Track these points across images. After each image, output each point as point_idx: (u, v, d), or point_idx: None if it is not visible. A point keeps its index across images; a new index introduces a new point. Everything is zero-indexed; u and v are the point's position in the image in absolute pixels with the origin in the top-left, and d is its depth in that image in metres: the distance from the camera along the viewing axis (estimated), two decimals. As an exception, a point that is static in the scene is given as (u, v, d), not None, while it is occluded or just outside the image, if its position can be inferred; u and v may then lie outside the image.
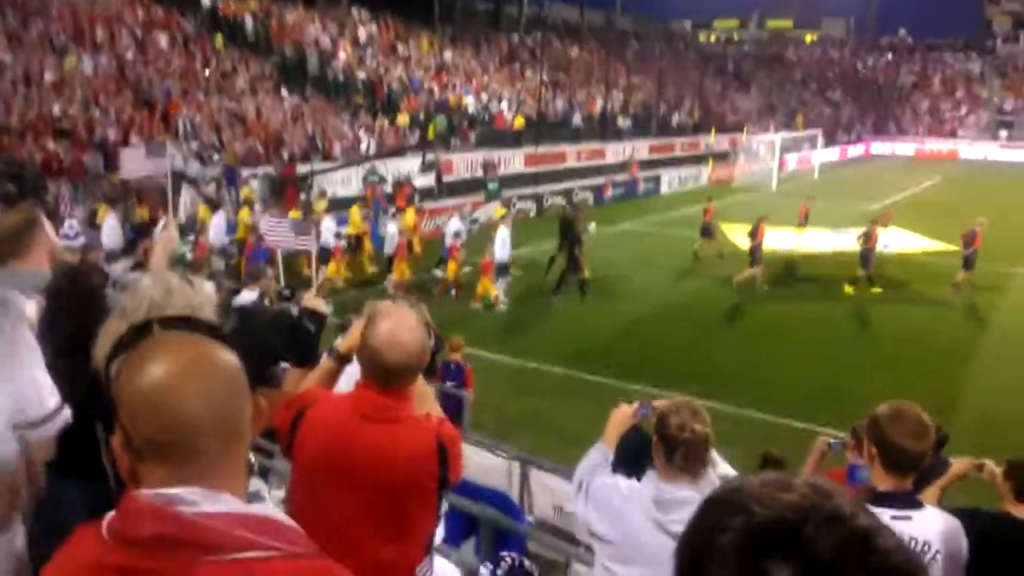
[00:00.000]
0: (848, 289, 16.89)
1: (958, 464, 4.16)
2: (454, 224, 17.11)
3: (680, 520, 2.65)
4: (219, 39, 28.07)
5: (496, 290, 15.37)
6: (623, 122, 41.39)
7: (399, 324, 2.37)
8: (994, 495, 4.24)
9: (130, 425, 1.19)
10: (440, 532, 3.52)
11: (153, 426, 1.17)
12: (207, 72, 25.26)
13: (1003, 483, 4.07)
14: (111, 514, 1.19)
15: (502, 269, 15.53)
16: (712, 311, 15.52)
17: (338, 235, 17.13)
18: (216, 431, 1.20)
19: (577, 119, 37.76)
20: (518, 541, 4.34)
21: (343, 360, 2.71)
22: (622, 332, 14.21)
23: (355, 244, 18.07)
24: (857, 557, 0.72)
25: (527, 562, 3.63)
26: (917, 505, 2.57)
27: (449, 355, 9.05)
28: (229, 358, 1.27)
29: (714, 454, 2.91)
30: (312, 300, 3.00)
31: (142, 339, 1.26)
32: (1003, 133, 60.90)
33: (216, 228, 16.63)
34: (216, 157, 20.89)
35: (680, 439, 2.62)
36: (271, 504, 1.29)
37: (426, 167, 26.85)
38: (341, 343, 2.73)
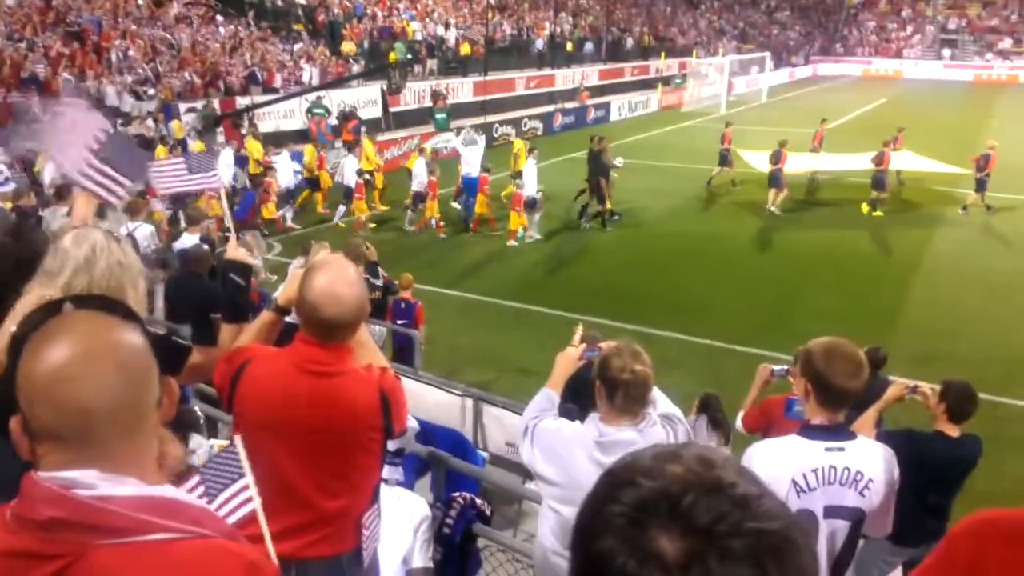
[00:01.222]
0: (865, 208, 17.31)
1: (893, 388, 4.30)
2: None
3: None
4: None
5: (528, 223, 15.28)
6: (588, 47, 40.79)
7: (337, 277, 2.31)
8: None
9: (27, 409, 1.17)
10: (398, 474, 3.55)
11: (48, 412, 1.16)
12: (139, 1, 24.06)
13: (937, 405, 4.24)
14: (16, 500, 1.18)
15: (531, 204, 15.37)
16: (671, 240, 15.63)
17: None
18: (113, 419, 1.18)
19: (540, 44, 37.10)
20: (472, 479, 4.40)
21: (282, 312, 2.65)
22: (576, 264, 14.27)
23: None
24: (734, 524, 0.76)
25: (478, 501, 3.68)
26: (849, 436, 2.65)
27: (399, 293, 9.00)
28: (135, 342, 1.24)
29: (656, 394, 2.95)
30: (235, 252, 2.88)
31: (50, 318, 1.23)
32: (947, 52, 61.51)
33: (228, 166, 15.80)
34: (152, 92, 20.06)
35: (621, 380, 2.66)
36: (199, 459, 1.30)
37: (393, 91, 26.21)
38: (280, 294, 2.68)
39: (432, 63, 30.25)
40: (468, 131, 18.37)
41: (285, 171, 16.89)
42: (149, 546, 1.14)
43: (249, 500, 1.89)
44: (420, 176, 15.85)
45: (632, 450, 2.66)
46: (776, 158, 17.40)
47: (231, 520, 1.77)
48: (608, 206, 16.22)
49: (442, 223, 15.82)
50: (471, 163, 16.16)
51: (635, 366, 2.66)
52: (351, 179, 16.20)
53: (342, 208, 16.38)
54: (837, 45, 65.87)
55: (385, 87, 25.61)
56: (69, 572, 1.12)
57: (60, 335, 1.19)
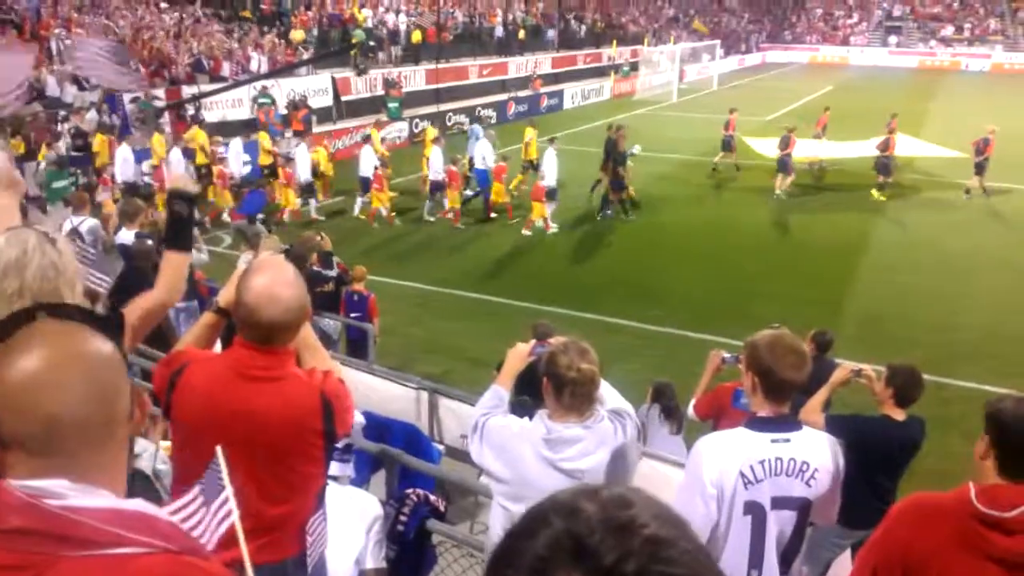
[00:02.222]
0: (875, 194, 17.72)
1: (838, 372, 4.39)
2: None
3: (569, 458, 2.69)
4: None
5: (547, 214, 15.18)
6: (551, 33, 40.75)
7: (276, 278, 2.24)
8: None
9: None
10: (349, 470, 3.49)
11: (18, 420, 1.15)
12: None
13: (883, 389, 4.32)
14: None
15: (552, 193, 15.28)
16: (622, 227, 15.71)
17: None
18: (82, 428, 1.18)
19: (499, 31, 36.92)
20: (426, 474, 4.36)
21: (224, 314, 2.58)
22: (529, 253, 14.28)
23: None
24: (639, 566, 0.75)
25: (432, 497, 3.64)
26: (795, 427, 2.68)
27: (352, 285, 8.90)
28: (105, 351, 1.24)
29: (606, 389, 2.94)
30: (177, 181, 2.81)
31: (22, 326, 1.22)
32: (892, 39, 62.78)
33: (123, 161, 15.03)
34: (93, 82, 19.48)
35: (568, 378, 2.65)
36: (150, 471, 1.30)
37: (360, 72, 25.98)
38: (221, 295, 2.60)
39: (386, 52, 29.96)
40: (474, 125, 18.59)
41: (235, 161, 16.57)
42: (117, 559, 1.13)
43: (230, 514, 1.86)
44: (437, 165, 15.74)
45: (579, 446, 2.66)
46: (785, 143, 17.82)
47: (216, 534, 1.76)
48: (631, 192, 16.29)
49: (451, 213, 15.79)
50: (482, 155, 16.22)
51: (581, 364, 2.64)
52: (367, 170, 15.88)
53: (360, 200, 16.16)
54: (785, 32, 66.79)
55: (353, 71, 25.43)
56: None
57: (30, 343, 1.19)
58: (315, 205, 16.14)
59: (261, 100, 21.31)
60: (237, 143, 16.81)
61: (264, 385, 2.26)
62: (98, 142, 16.36)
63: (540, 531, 0.80)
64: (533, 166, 17.87)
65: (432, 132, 17.98)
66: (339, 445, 3.10)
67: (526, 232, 15.06)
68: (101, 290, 2.37)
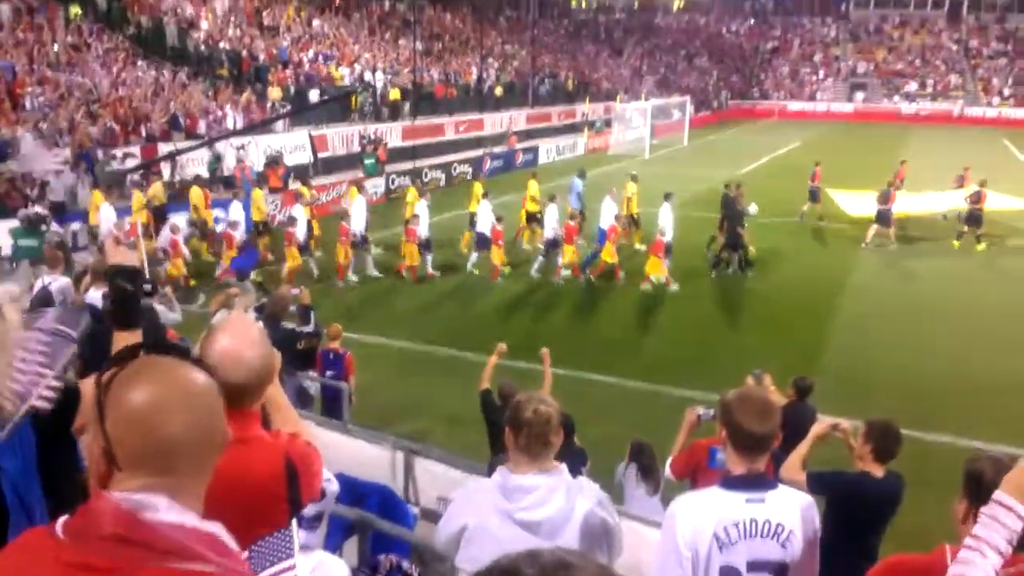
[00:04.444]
0: (956, 244, 18.33)
1: (816, 427, 4.37)
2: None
3: (525, 507, 2.66)
4: (74, 9, 26.15)
5: (664, 271, 14.89)
6: (539, 89, 41.53)
7: (239, 338, 2.19)
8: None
9: (115, 437, 1.29)
10: (315, 539, 3.41)
11: (140, 441, 1.29)
12: (55, 46, 23.46)
13: (862, 445, 4.31)
14: (66, 517, 1.29)
15: (669, 249, 15.00)
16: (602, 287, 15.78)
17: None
18: (193, 451, 1.34)
19: (491, 87, 37.52)
20: (400, 539, 4.27)
21: None
22: (507, 308, 14.26)
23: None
24: None
25: (405, 563, 3.57)
26: (770, 486, 2.67)
27: (328, 343, 8.82)
28: (211, 384, 1.40)
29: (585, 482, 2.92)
30: (116, 256, 2.65)
31: (130, 359, 1.38)
32: (859, 95, 64.59)
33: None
34: (67, 139, 19.48)
35: (524, 418, 2.68)
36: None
37: (369, 143, 26.49)
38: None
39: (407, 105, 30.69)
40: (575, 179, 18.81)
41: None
42: (191, 574, 1.24)
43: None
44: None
45: (535, 495, 2.63)
46: (885, 198, 18.35)
47: None
48: (751, 250, 16.16)
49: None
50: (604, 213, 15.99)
51: (538, 406, 2.70)
52: (484, 226, 15.81)
53: (474, 255, 16.09)
54: (754, 89, 68.49)
55: (357, 115, 27.18)
56: None
57: (149, 373, 1.34)
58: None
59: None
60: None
61: (227, 449, 2.20)
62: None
63: None
64: (635, 221, 18.04)
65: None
66: (310, 513, 3.04)
67: (645, 287, 14.72)
68: (40, 401, 2.25)
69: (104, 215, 15.11)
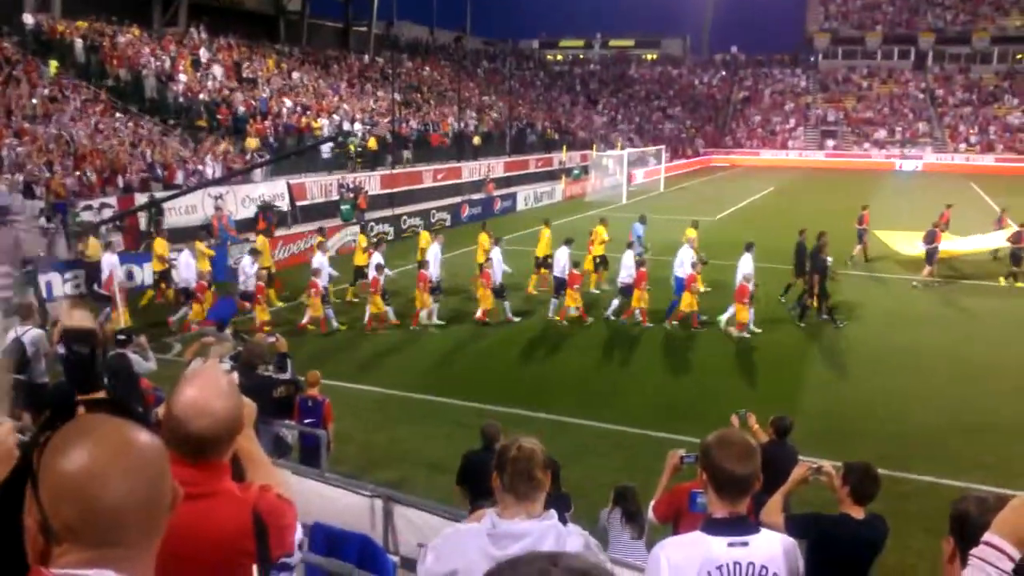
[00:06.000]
0: (1002, 281, 19.50)
1: (797, 470, 4.34)
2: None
3: (513, 554, 2.60)
4: (53, 65, 26.30)
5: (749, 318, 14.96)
6: (517, 138, 42.16)
7: (207, 390, 2.13)
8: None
9: (50, 508, 1.18)
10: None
11: (76, 511, 1.17)
12: (34, 100, 23.50)
13: (841, 487, 4.30)
14: None
15: (751, 296, 14.94)
16: (579, 332, 15.78)
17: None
18: (137, 518, 1.22)
19: (472, 137, 37.87)
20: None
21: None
22: (487, 356, 14.20)
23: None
24: None
25: (385, 614, 3.48)
26: (752, 529, 2.64)
27: (306, 391, 8.72)
28: (153, 442, 1.28)
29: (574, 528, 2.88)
30: (71, 320, 2.59)
31: (65, 421, 1.27)
32: (830, 143, 66.05)
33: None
34: (41, 191, 19.40)
35: (508, 457, 2.64)
36: None
37: (349, 191, 26.76)
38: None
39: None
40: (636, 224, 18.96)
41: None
42: None
43: None
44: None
45: (525, 542, 2.58)
46: (931, 238, 19.46)
47: None
48: (830, 301, 16.03)
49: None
50: (681, 261, 16.19)
51: (521, 443, 2.67)
52: (561, 271, 15.92)
53: (554, 301, 16.04)
54: (727, 138, 69.82)
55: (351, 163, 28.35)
56: None
57: (83, 436, 1.22)
58: (507, 306, 15.98)
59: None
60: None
61: (192, 503, 2.11)
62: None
63: None
64: (603, 263, 18.38)
65: (486, 238, 17.87)
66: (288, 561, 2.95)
67: (738, 334, 14.80)
68: None
69: (107, 262, 15.17)
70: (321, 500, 6.30)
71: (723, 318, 15.29)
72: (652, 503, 4.85)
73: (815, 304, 15.97)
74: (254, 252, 16.04)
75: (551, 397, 11.56)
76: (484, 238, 18.01)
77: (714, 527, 2.60)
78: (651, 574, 2.60)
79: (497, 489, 2.72)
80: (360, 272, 17.14)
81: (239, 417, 2.18)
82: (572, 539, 2.69)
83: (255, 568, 2.15)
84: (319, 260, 15.66)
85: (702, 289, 16.94)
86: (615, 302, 16.03)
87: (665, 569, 2.54)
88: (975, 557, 1.99)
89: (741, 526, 2.60)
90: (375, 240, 18.46)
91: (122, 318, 14.27)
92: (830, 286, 16.53)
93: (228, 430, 2.15)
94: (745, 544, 2.55)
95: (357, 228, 24.39)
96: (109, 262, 15.26)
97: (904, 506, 7.65)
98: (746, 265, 15.37)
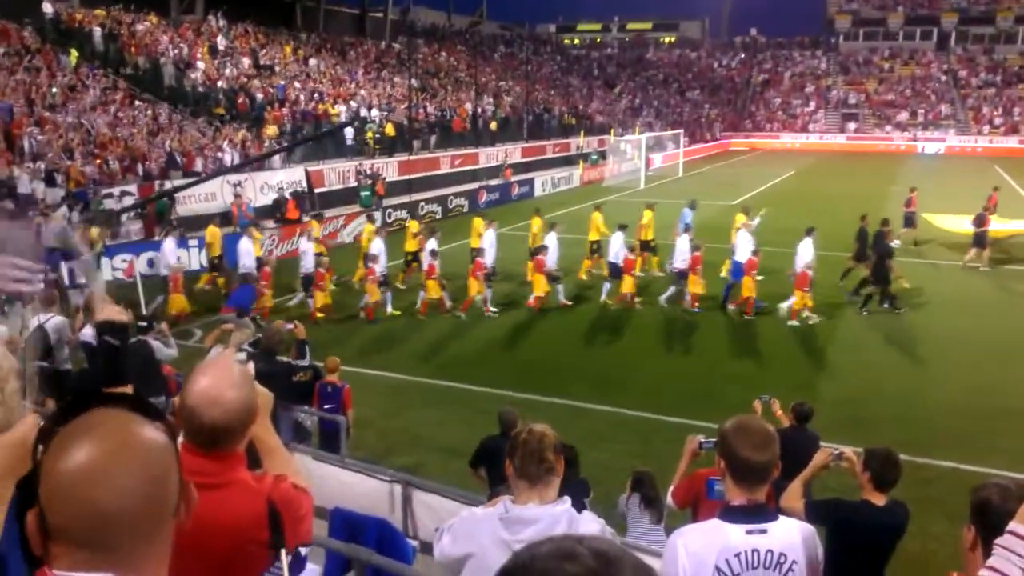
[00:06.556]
0: None
1: (818, 455, 4.31)
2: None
3: (525, 540, 2.60)
4: (73, 54, 26.48)
5: (810, 303, 14.60)
6: (534, 123, 42.06)
7: (220, 380, 2.14)
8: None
9: (46, 507, 1.16)
10: (316, 573, 3.34)
11: (67, 514, 1.14)
12: (54, 89, 23.68)
13: (861, 474, 4.26)
14: None
15: (810, 282, 14.52)
16: (604, 319, 15.73)
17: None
18: (131, 524, 1.17)
19: (489, 122, 37.81)
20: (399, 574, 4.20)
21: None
22: (516, 339, 14.17)
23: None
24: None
25: (404, 598, 3.51)
26: (771, 517, 2.62)
27: (326, 376, 8.77)
28: (159, 441, 1.24)
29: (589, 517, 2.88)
30: (106, 311, 2.60)
31: (75, 415, 1.22)
32: (851, 126, 65.27)
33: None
34: (61, 179, 19.59)
35: (519, 439, 2.68)
36: None
37: (367, 177, 26.90)
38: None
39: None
40: (685, 209, 18.57)
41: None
42: None
43: None
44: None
45: (536, 527, 2.58)
46: (980, 221, 19.24)
47: None
48: (894, 286, 15.62)
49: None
50: (740, 246, 15.56)
51: (532, 427, 2.70)
52: (615, 256, 15.93)
53: (607, 285, 16.03)
54: (746, 121, 69.17)
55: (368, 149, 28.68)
56: None
57: (85, 434, 1.18)
58: (560, 290, 15.95)
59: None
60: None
61: (206, 493, 2.11)
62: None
63: None
64: (651, 248, 18.15)
65: (538, 222, 17.73)
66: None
67: (792, 323, 14.44)
68: None
69: (166, 248, 15.58)
70: (341, 485, 6.35)
71: (783, 306, 14.85)
72: (671, 488, 4.83)
73: (880, 291, 15.36)
74: (311, 238, 16.14)
75: (565, 382, 11.54)
76: (536, 222, 17.86)
77: (731, 514, 2.58)
78: (668, 562, 2.59)
79: (511, 476, 2.73)
80: (412, 258, 17.14)
81: (253, 407, 2.18)
82: (586, 525, 2.69)
83: (284, 556, 2.17)
84: (377, 246, 15.55)
85: (657, 273, 17.13)
86: (671, 289, 15.72)
87: (683, 557, 2.53)
88: (1001, 547, 1.96)
89: (759, 513, 2.58)
90: (428, 226, 18.43)
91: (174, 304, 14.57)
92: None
93: (241, 420, 2.15)
94: (763, 531, 2.53)
95: (377, 214, 24.49)
96: (167, 248, 15.56)
97: (926, 492, 7.59)
98: (806, 251, 14.81)
